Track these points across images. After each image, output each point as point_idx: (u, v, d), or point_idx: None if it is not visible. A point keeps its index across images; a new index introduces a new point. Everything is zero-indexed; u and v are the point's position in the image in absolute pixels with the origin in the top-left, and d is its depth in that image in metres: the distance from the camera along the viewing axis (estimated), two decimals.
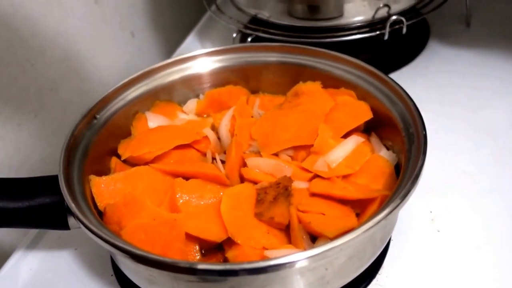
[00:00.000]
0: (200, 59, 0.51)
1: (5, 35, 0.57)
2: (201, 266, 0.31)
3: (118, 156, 0.46)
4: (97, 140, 0.45)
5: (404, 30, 0.60)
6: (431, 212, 0.46)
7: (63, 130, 0.43)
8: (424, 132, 0.39)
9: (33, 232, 0.49)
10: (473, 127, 0.55)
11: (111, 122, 0.47)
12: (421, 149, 0.38)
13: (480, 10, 0.73)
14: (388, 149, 0.45)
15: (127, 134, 0.48)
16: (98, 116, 0.46)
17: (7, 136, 0.59)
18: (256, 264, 0.31)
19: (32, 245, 0.48)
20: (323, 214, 0.39)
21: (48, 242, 0.48)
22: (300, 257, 0.31)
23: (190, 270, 0.31)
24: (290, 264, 0.31)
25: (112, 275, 0.44)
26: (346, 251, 0.34)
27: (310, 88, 0.48)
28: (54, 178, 0.39)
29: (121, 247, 0.33)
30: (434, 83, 0.62)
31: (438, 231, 0.45)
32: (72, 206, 0.36)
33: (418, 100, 0.43)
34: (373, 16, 0.60)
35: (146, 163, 0.44)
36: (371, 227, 0.32)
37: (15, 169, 0.60)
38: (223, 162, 0.44)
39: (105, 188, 0.41)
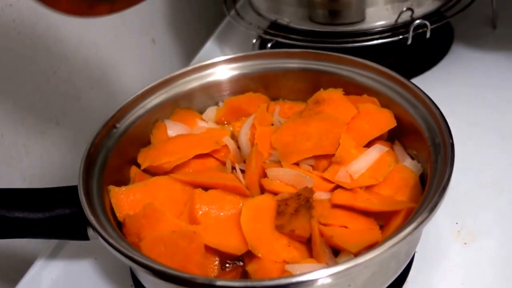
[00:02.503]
0: (220, 66, 0.51)
1: (28, 43, 0.57)
2: (220, 283, 0.31)
3: (138, 165, 0.45)
4: (116, 149, 0.44)
5: (428, 34, 0.58)
6: (457, 223, 0.45)
7: (85, 137, 0.43)
8: (451, 141, 0.38)
9: (54, 241, 0.49)
10: (501, 133, 0.53)
11: (131, 130, 0.46)
12: (448, 160, 0.37)
13: (507, 11, 0.70)
14: (412, 158, 0.44)
15: (147, 142, 0.48)
16: (118, 126, 0.46)
17: (30, 143, 0.59)
18: (278, 281, 0.30)
19: (54, 254, 0.48)
20: (346, 227, 0.38)
21: (69, 251, 0.48)
22: (322, 275, 0.30)
23: (208, 287, 0.31)
24: (312, 281, 0.30)
25: (131, 286, 0.44)
26: (370, 267, 0.33)
27: (332, 95, 0.47)
28: (74, 188, 0.39)
29: (139, 261, 0.33)
30: (458, 87, 0.60)
31: (465, 243, 0.43)
32: (91, 218, 0.36)
33: (443, 105, 0.41)
34: (396, 20, 0.58)
35: (165, 173, 0.44)
36: (397, 243, 0.31)
37: (38, 177, 0.61)
38: (242, 171, 0.44)
39: (124, 199, 0.41)
